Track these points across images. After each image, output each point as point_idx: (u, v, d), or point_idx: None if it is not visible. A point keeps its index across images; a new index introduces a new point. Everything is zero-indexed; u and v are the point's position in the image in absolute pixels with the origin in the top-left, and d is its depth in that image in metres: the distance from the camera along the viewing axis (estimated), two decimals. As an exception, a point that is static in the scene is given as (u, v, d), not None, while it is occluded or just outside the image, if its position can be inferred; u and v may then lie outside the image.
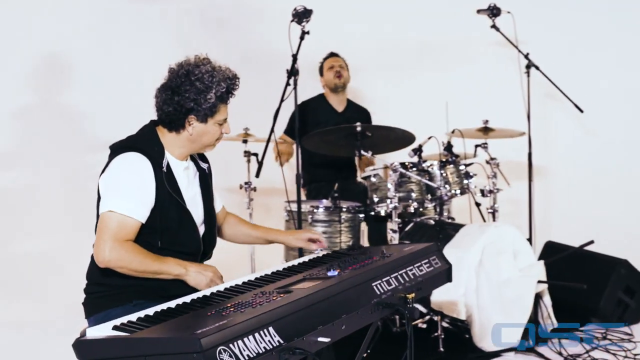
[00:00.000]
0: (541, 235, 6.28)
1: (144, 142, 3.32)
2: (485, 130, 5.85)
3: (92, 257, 3.29)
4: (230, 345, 2.38)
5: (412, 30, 7.43)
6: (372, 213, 5.31)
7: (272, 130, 4.81)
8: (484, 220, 5.86)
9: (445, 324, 5.01)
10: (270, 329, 2.53)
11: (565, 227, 7.22)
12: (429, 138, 5.33)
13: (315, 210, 5.22)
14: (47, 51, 6.71)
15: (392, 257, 3.41)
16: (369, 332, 3.38)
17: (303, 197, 6.01)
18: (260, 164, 4.81)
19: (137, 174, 3.23)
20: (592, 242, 5.21)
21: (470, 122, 5.95)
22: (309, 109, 6.00)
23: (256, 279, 3.21)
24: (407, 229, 5.32)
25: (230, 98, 3.38)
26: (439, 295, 4.90)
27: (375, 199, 5.30)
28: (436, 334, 4.90)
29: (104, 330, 2.58)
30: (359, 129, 5.00)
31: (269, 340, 2.50)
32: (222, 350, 2.34)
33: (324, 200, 5.36)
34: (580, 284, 4.80)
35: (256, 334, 2.47)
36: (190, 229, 3.37)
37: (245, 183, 5.23)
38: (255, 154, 5.22)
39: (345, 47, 6.37)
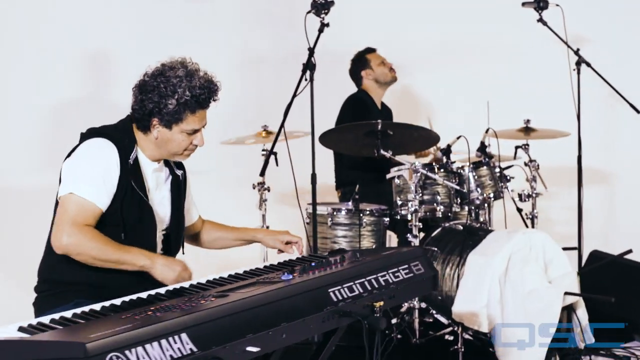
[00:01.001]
0: (600, 247, 5.87)
1: (117, 132, 3.22)
2: (527, 130, 5.51)
3: (44, 252, 3.18)
4: (126, 352, 2.17)
5: (452, 24, 7.12)
6: (398, 217, 5.02)
7: (281, 126, 4.60)
8: (527, 227, 5.50)
9: (468, 337, 4.68)
10: (184, 335, 2.32)
11: (627, 238, 6.79)
12: (458, 138, 5.04)
13: (335, 213, 4.96)
14: (94, 47, 6.63)
15: (362, 261, 3.15)
16: (330, 341, 3.12)
17: (336, 200, 5.79)
18: (266, 162, 4.59)
19: (102, 159, 3.12)
20: (630, 251, 4.81)
21: (514, 122, 5.62)
22: (361, 103, 5.76)
23: (207, 281, 2.99)
24: (433, 234, 5.03)
25: (203, 109, 3.21)
26: (461, 306, 4.61)
27: (399, 202, 5.00)
28: (455, 347, 4.58)
29: (8, 331, 2.41)
30: (379, 126, 4.72)
31: (178, 348, 2.29)
32: (113, 357, 2.14)
33: (349, 203, 5.09)
34: (609, 297, 4.39)
35: (163, 340, 2.26)
36: (149, 226, 3.22)
37: (259, 183, 5.00)
38: (275, 153, 5.00)
39: (379, 41, 6.11)
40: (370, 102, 5.81)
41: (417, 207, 4.74)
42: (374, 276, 3.05)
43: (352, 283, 2.95)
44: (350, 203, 5.05)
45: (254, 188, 4.94)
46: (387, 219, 5.03)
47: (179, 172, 3.44)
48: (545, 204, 7.50)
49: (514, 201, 5.45)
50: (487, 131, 5.19)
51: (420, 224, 4.77)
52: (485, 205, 5.31)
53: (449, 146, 5.06)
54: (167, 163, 3.39)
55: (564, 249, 5.36)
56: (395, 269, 3.16)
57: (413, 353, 4.67)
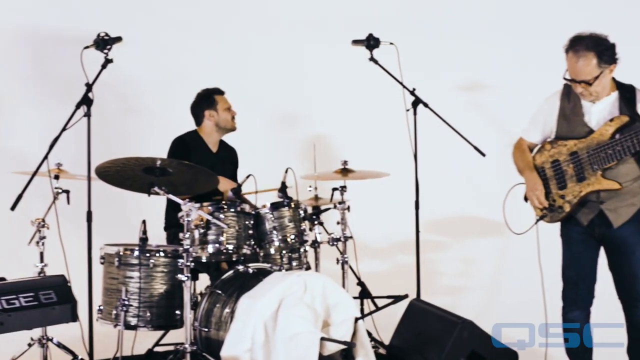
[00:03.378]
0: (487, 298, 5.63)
1: None
2: (345, 171, 5.33)
3: None
4: None
5: (281, 63, 7.14)
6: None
7: (45, 158, 4.54)
8: (343, 271, 5.33)
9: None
10: None
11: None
12: (247, 177, 4.90)
13: (123, 253, 4.80)
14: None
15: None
16: None
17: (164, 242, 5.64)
18: (19, 196, 4.49)
19: None
20: (406, 296, 4.63)
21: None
22: (183, 145, 5.59)
23: None
24: (224, 276, 4.87)
25: None
26: (227, 350, 4.45)
27: (184, 243, 4.84)
28: (220, 392, 4.40)
29: None
30: (158, 163, 4.59)
31: None
32: None
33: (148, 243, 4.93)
34: (352, 343, 4.19)
35: None
36: None
37: (39, 219, 4.84)
38: (67, 191, 4.92)
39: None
40: (197, 144, 5.61)
41: (188, 246, 4.57)
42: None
43: None
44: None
45: (32, 225, 4.82)
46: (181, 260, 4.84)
47: None
48: (435, 256, 7.31)
49: (336, 244, 5.29)
50: (286, 171, 5.04)
51: (191, 264, 4.58)
52: (304, 248, 5.15)
53: (239, 185, 4.93)
54: None
55: (392, 297, 5.17)
56: (13, 296, 3.03)
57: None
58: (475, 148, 5.43)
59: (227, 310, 4.64)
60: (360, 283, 5.53)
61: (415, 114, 5.45)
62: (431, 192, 5.66)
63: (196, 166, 4.79)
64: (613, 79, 4.27)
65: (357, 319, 4.43)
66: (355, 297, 5.41)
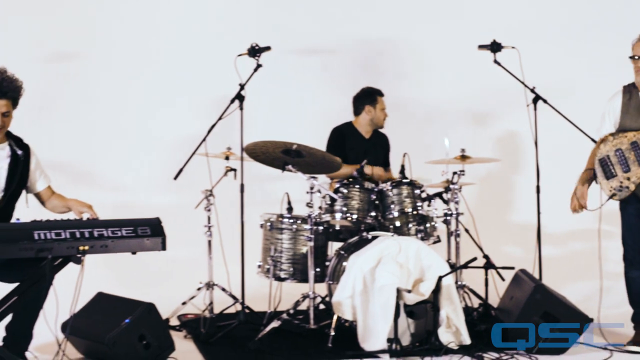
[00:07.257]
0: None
1: None
2: (463, 158, 6.15)
3: None
4: None
5: (408, 64, 8.18)
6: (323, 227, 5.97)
7: (203, 140, 5.84)
8: (456, 242, 6.21)
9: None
10: None
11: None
12: (404, 155, 6.09)
13: (272, 219, 6.01)
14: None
15: (89, 221, 4.40)
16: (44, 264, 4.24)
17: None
18: (180, 170, 5.79)
19: None
20: (475, 259, 5.47)
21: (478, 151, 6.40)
22: (338, 134, 6.69)
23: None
24: (350, 240, 5.88)
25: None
26: (335, 296, 5.44)
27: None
28: (327, 330, 5.42)
29: None
30: (294, 146, 5.71)
31: None
32: None
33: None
34: (407, 289, 5.13)
35: None
36: None
37: (207, 190, 6.14)
38: (234, 169, 6.18)
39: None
40: (352, 133, 6.68)
41: (311, 214, 5.71)
42: (89, 229, 4.24)
43: (61, 230, 4.18)
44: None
45: (203, 194, 6.14)
46: (321, 227, 5.94)
47: (19, 152, 4.66)
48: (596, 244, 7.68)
49: (459, 222, 6.13)
50: (404, 155, 5.99)
51: (315, 227, 5.77)
52: (433, 223, 6.04)
53: (362, 167, 5.95)
54: (10, 144, 4.66)
55: (503, 268, 5.90)
56: (116, 228, 4.29)
57: (303, 336, 5.66)
58: (591, 139, 5.92)
59: (344, 265, 5.65)
60: (485, 256, 6.22)
61: (535, 109, 6.08)
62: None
63: (324, 152, 5.88)
64: None
65: (440, 277, 5.23)
66: (481, 268, 6.16)
